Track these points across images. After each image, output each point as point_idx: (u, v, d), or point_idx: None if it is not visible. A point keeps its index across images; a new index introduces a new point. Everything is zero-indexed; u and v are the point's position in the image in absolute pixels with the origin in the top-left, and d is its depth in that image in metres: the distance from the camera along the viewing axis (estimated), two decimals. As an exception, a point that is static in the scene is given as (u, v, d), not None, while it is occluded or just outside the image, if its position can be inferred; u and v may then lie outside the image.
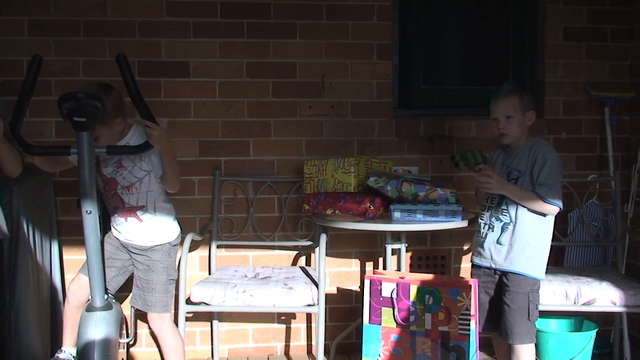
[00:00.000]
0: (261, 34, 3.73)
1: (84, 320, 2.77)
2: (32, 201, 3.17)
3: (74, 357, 3.13)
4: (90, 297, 2.75)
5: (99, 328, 2.74)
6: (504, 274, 2.97)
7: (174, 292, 3.13)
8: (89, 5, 3.60)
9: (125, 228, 3.05)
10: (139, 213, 3.03)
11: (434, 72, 4.10)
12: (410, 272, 3.80)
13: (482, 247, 3.04)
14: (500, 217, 3.00)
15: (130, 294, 3.23)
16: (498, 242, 2.99)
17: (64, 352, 3.16)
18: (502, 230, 2.99)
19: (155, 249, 3.06)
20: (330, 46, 3.80)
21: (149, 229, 3.05)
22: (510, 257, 2.95)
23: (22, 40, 3.56)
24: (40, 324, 3.24)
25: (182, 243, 3.23)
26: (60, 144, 3.12)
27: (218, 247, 3.69)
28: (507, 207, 2.98)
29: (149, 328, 3.41)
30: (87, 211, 2.67)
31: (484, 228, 3.05)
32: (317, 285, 3.20)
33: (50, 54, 3.52)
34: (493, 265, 3.01)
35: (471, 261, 3.12)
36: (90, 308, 2.80)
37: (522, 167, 2.97)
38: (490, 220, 3.03)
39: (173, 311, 3.57)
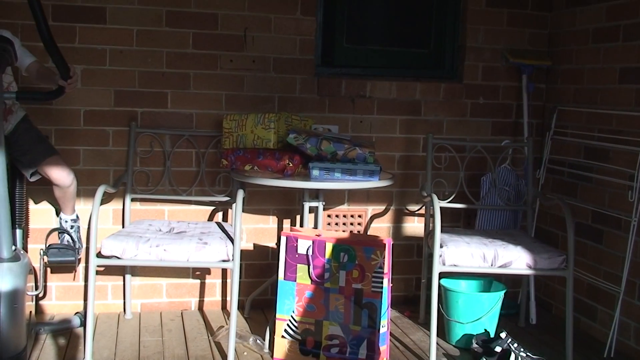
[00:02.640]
0: (182, -18, 3.63)
1: (-12, 272, 2.68)
2: None
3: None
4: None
5: (5, 279, 2.66)
6: None
7: None
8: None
9: None
10: None
11: (358, 31, 4.09)
12: (326, 230, 3.83)
13: None
14: None
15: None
16: None
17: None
18: None
19: None
20: (254, -1, 3.73)
21: None
22: None
23: None
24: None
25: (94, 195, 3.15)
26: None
27: (132, 200, 3.61)
28: None
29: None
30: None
31: None
32: (232, 241, 3.18)
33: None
34: None
35: None
36: (-3, 259, 2.71)
37: None
38: None
39: (83, 264, 3.53)
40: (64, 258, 3.36)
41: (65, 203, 3.41)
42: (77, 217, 3.50)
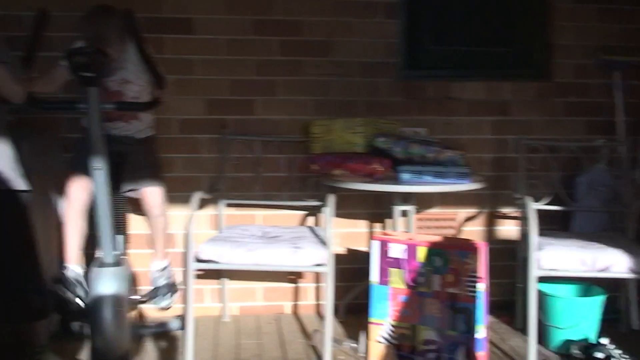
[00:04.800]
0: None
1: (94, 276, 2.78)
2: (40, 157, 3.15)
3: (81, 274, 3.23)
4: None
5: (109, 284, 2.75)
6: None
7: None
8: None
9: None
10: None
11: (442, 32, 4.05)
12: (417, 234, 3.81)
13: None
14: None
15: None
16: None
17: (69, 269, 3.22)
18: None
19: None
20: (337, 4, 3.74)
21: None
22: None
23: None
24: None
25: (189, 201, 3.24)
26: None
27: (227, 206, 3.68)
28: None
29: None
30: (96, 167, 2.66)
31: None
32: (325, 245, 3.20)
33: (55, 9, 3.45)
34: None
35: None
36: (100, 264, 2.81)
37: None
38: None
39: (183, 268, 3.62)
40: (167, 300, 3.44)
41: (156, 239, 3.40)
42: (168, 264, 3.50)
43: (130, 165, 3.19)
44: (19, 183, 2.51)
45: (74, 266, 3.23)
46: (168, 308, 3.47)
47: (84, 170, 2.97)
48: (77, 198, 3.15)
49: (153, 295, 3.40)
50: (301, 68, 3.73)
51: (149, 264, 3.47)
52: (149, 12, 3.50)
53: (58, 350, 3.00)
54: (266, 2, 3.67)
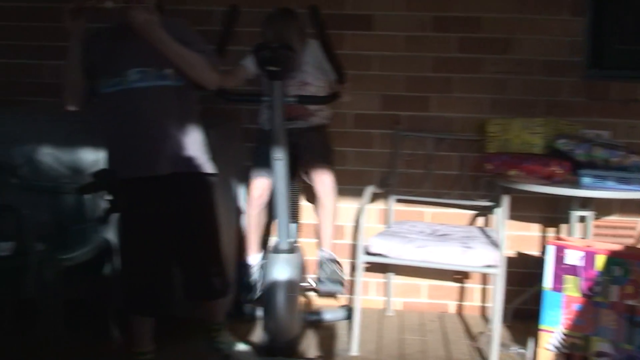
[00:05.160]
0: (448, -13, 3.66)
1: (270, 261, 2.91)
2: (224, 145, 3.32)
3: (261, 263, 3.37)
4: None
5: (283, 269, 2.87)
6: None
7: None
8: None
9: None
10: None
11: (630, 31, 3.82)
12: (594, 241, 3.64)
13: None
14: None
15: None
16: None
17: (250, 259, 3.40)
18: None
19: None
20: (519, 1, 3.64)
21: None
22: None
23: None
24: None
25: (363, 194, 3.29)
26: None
27: (396, 201, 3.70)
28: None
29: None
30: (276, 158, 2.77)
31: None
32: (496, 246, 3.14)
33: (245, 5, 3.62)
34: None
35: None
36: (276, 250, 2.92)
37: None
38: None
39: (350, 260, 3.67)
40: (333, 289, 3.48)
41: (324, 228, 3.45)
42: (334, 257, 3.52)
43: (303, 149, 3.29)
44: (208, 166, 2.67)
45: (254, 257, 3.41)
46: (332, 296, 3.54)
47: (265, 163, 3.11)
48: (257, 195, 3.31)
49: (319, 283, 3.48)
50: (479, 65, 3.67)
51: (316, 253, 3.56)
52: (332, 8, 3.57)
53: (231, 330, 3.15)
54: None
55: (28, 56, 3.86)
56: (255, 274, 3.38)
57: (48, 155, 3.04)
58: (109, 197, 2.50)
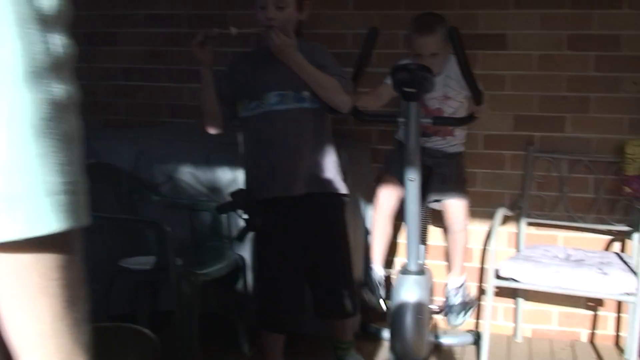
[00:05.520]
0: (584, 5, 3.52)
1: (398, 283, 2.91)
2: (354, 166, 3.36)
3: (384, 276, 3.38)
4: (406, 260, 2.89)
5: (412, 291, 2.86)
6: None
7: None
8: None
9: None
10: None
11: None
12: None
13: None
14: None
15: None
16: None
17: (374, 268, 3.37)
18: None
19: None
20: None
21: None
22: None
23: (346, 14, 3.76)
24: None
25: (493, 216, 3.23)
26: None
27: (527, 224, 3.61)
28: None
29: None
30: (410, 178, 2.78)
31: None
32: (635, 273, 3.00)
33: (384, 27, 3.64)
34: None
35: None
36: (405, 271, 2.92)
37: None
38: None
39: (479, 284, 3.62)
40: (461, 318, 3.43)
41: (453, 255, 3.42)
42: (464, 281, 3.48)
43: (437, 176, 3.26)
44: (341, 187, 2.71)
45: (378, 268, 3.39)
46: (459, 325, 3.48)
47: (394, 177, 3.12)
48: (385, 203, 3.29)
49: (447, 311, 3.43)
50: (617, 84, 3.53)
51: (443, 277, 3.52)
52: (465, 28, 3.53)
53: (357, 349, 3.17)
54: (584, 16, 3.53)
55: (169, 79, 4.07)
56: (377, 287, 3.37)
57: (187, 174, 3.19)
58: (246, 216, 2.59)
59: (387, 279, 3.48)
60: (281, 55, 2.48)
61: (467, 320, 3.49)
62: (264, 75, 2.57)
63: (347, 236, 2.77)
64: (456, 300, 3.43)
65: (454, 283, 3.44)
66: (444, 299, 3.48)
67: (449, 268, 3.52)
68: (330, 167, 2.66)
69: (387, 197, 3.30)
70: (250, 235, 2.71)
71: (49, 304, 0.66)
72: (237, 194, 2.60)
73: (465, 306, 3.43)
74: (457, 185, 3.33)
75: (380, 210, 3.33)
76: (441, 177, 3.27)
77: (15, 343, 0.67)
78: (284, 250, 2.62)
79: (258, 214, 2.55)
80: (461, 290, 3.46)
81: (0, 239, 0.60)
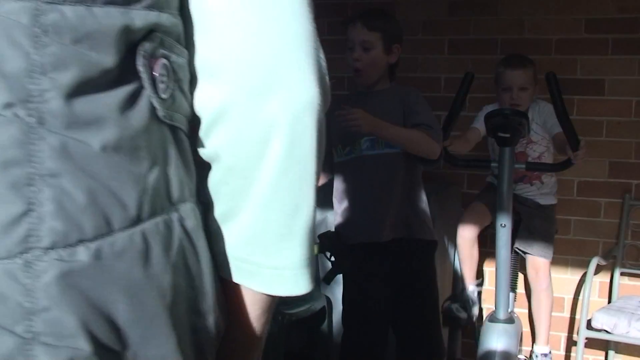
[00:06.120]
0: (684, 51, 3.45)
1: (486, 331, 2.86)
2: (444, 211, 3.35)
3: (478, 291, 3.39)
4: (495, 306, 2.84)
5: (501, 340, 2.81)
6: None
7: None
8: (507, 24, 3.68)
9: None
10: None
11: None
12: None
13: None
14: None
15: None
16: None
17: (468, 289, 3.36)
18: None
19: None
20: None
21: None
22: None
23: (441, 58, 3.79)
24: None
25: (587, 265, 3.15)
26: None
27: (621, 274, 3.50)
28: None
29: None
30: (501, 224, 2.75)
31: None
32: None
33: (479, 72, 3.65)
34: None
35: None
36: (493, 319, 2.87)
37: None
38: None
39: (568, 334, 3.51)
40: None
41: (540, 319, 3.31)
42: (550, 352, 3.36)
43: (525, 227, 3.21)
44: (430, 234, 2.67)
45: (471, 286, 3.37)
46: None
47: (483, 205, 3.10)
48: (470, 227, 3.27)
49: None
50: None
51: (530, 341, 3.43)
52: (563, 73, 3.45)
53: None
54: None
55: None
56: (471, 303, 3.35)
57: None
58: (333, 259, 2.61)
59: (479, 294, 3.49)
60: (369, 127, 2.42)
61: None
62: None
63: (434, 283, 2.73)
64: None
65: (540, 350, 3.33)
66: None
67: (532, 335, 3.42)
68: (421, 213, 2.64)
69: (471, 221, 3.27)
70: (338, 278, 2.72)
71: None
72: (325, 235, 2.62)
73: None
74: (544, 240, 3.23)
75: (464, 235, 3.29)
76: (529, 228, 3.20)
77: None
78: (369, 295, 2.60)
79: (346, 257, 2.56)
80: (545, 357, 3.34)
81: (273, 292, 0.76)
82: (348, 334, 2.69)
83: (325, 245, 2.61)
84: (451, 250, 3.54)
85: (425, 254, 2.66)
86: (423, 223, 2.63)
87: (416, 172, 2.64)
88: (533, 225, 3.22)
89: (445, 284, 3.46)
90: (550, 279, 3.28)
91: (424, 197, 2.68)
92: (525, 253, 3.25)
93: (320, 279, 2.85)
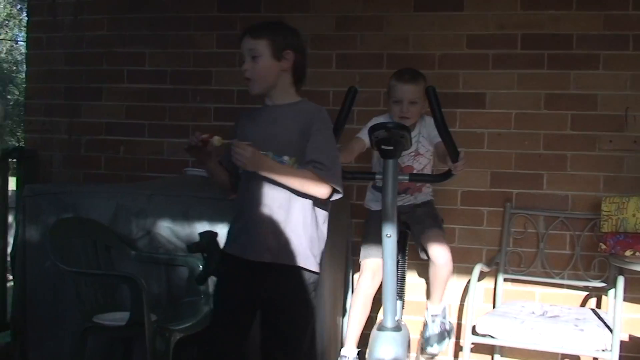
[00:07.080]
0: (562, 65, 3.63)
1: (375, 339, 2.89)
2: (333, 221, 3.36)
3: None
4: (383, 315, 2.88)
5: (388, 348, 2.84)
6: None
7: None
8: (392, 39, 3.78)
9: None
10: None
11: None
12: None
13: None
14: None
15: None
16: None
17: (346, 352, 3.19)
18: None
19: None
20: (636, 77, 3.57)
21: None
22: None
23: (329, 72, 3.85)
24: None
25: (471, 272, 3.25)
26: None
27: (504, 280, 3.63)
28: None
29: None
30: (387, 235, 2.79)
31: None
32: (610, 330, 3.01)
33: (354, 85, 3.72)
34: None
35: None
36: (381, 327, 2.91)
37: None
38: None
39: (454, 339, 3.59)
40: (440, 348, 3.36)
41: (435, 286, 3.31)
42: (444, 308, 3.40)
43: (414, 223, 3.28)
44: (311, 263, 2.52)
45: (350, 349, 3.20)
46: (436, 355, 3.41)
47: (375, 243, 3.08)
48: (367, 286, 3.21)
49: (425, 340, 3.38)
50: (594, 142, 3.60)
51: (420, 327, 3.48)
52: (445, 87, 3.57)
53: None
54: (561, 77, 3.63)
55: (150, 134, 4.12)
56: None
57: (166, 229, 3.17)
58: (205, 255, 2.56)
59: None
60: (253, 167, 2.39)
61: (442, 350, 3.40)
62: (251, 136, 2.49)
63: (306, 312, 2.55)
64: (434, 329, 3.36)
65: (432, 311, 3.37)
66: (422, 327, 3.41)
67: (428, 297, 3.46)
68: (304, 240, 2.49)
69: (368, 279, 3.21)
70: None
71: None
72: (204, 234, 2.59)
73: (442, 336, 3.36)
74: (433, 221, 3.30)
75: (360, 293, 3.21)
76: (416, 219, 3.28)
77: None
78: (233, 308, 2.51)
79: (217, 260, 2.51)
80: (439, 318, 3.38)
81: None
82: (208, 342, 2.61)
83: (201, 244, 2.58)
84: (342, 262, 3.57)
85: (297, 283, 2.50)
86: (305, 251, 2.49)
87: (305, 196, 2.49)
88: (417, 214, 3.29)
89: (337, 303, 3.48)
90: (450, 256, 3.19)
91: (313, 224, 2.54)
92: (424, 250, 3.25)
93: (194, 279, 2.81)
